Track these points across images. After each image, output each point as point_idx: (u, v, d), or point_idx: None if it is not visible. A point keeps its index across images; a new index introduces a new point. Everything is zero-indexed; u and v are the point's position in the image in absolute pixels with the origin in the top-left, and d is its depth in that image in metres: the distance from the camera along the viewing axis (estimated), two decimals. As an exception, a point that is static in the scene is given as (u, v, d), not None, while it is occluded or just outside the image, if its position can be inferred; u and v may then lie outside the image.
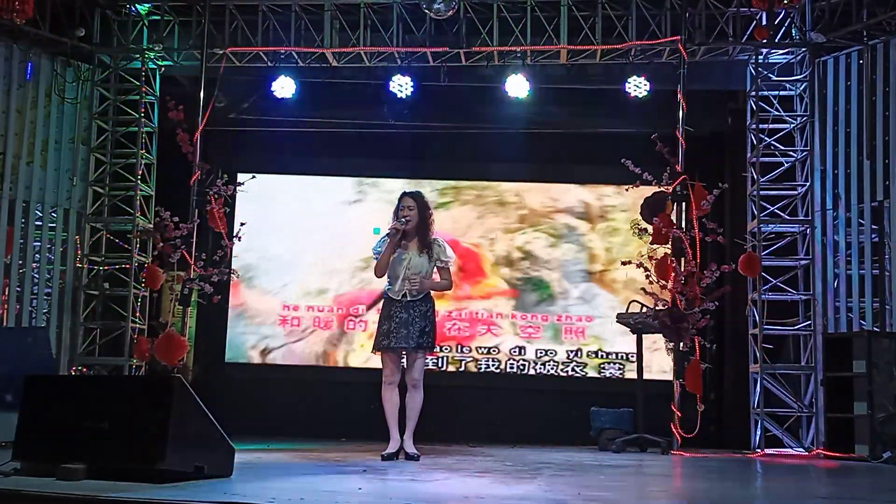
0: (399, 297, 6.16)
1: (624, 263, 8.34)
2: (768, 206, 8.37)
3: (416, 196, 6.30)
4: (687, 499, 4.34)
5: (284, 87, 8.86)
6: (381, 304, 6.33)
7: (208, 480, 4.10)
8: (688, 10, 8.39)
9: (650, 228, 7.82)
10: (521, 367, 9.86)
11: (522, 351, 9.88)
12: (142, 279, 8.61)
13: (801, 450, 7.98)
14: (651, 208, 7.99)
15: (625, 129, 9.15)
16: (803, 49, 8.39)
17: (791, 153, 8.50)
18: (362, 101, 9.38)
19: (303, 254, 10.15)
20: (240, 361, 10.01)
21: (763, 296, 8.22)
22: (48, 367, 7.09)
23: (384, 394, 6.16)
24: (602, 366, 9.80)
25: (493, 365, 9.88)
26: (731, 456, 7.67)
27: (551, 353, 9.85)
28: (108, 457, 4.02)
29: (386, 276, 6.23)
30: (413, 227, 6.19)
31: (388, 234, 6.21)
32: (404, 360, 6.22)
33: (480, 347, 9.91)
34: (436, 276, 6.25)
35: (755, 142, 8.45)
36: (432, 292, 6.30)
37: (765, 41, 8.37)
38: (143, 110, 8.87)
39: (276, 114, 9.27)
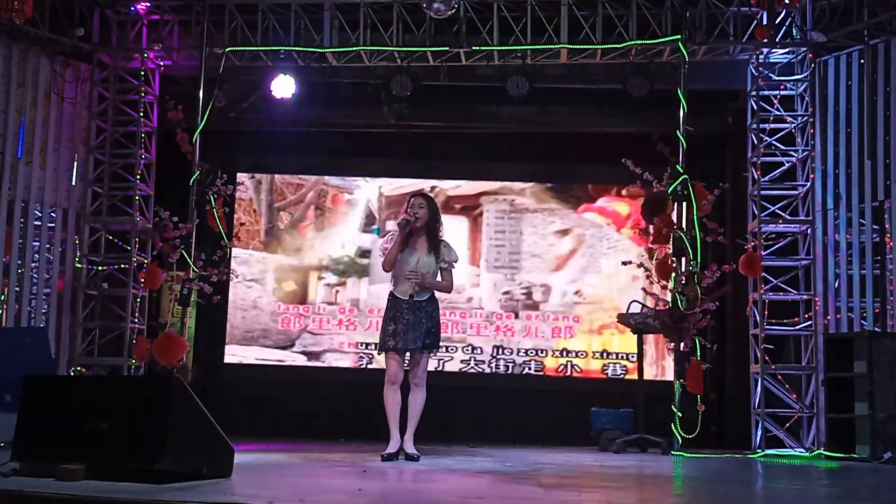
0: (406, 297, 6.14)
1: (624, 263, 8.34)
2: (769, 206, 8.36)
3: (426, 196, 6.37)
4: (687, 499, 4.33)
5: (284, 86, 8.83)
6: (386, 304, 6.28)
7: (208, 480, 4.09)
8: (688, 9, 8.37)
9: (650, 228, 7.81)
10: (521, 368, 9.84)
11: (522, 351, 9.86)
12: (141, 279, 8.59)
13: (801, 450, 7.97)
14: (651, 208, 7.98)
15: (625, 129, 9.14)
16: (804, 49, 8.38)
17: (792, 153, 8.49)
18: (362, 101, 9.37)
19: (302, 253, 10.14)
20: (240, 361, 9.99)
21: (764, 296, 8.21)
22: (47, 368, 7.07)
23: (386, 394, 6.13)
24: (605, 366, 9.78)
25: (493, 365, 9.86)
26: (732, 456, 7.66)
27: (551, 352, 9.84)
28: (107, 457, 4.01)
29: (392, 275, 6.21)
30: (423, 225, 6.19)
31: (398, 224, 6.20)
32: (407, 360, 6.21)
33: (480, 348, 9.90)
34: (438, 277, 6.25)
35: (756, 141, 8.44)
36: (436, 293, 6.30)
37: (765, 41, 8.35)
38: (142, 110, 8.84)
39: (275, 113, 9.24)
